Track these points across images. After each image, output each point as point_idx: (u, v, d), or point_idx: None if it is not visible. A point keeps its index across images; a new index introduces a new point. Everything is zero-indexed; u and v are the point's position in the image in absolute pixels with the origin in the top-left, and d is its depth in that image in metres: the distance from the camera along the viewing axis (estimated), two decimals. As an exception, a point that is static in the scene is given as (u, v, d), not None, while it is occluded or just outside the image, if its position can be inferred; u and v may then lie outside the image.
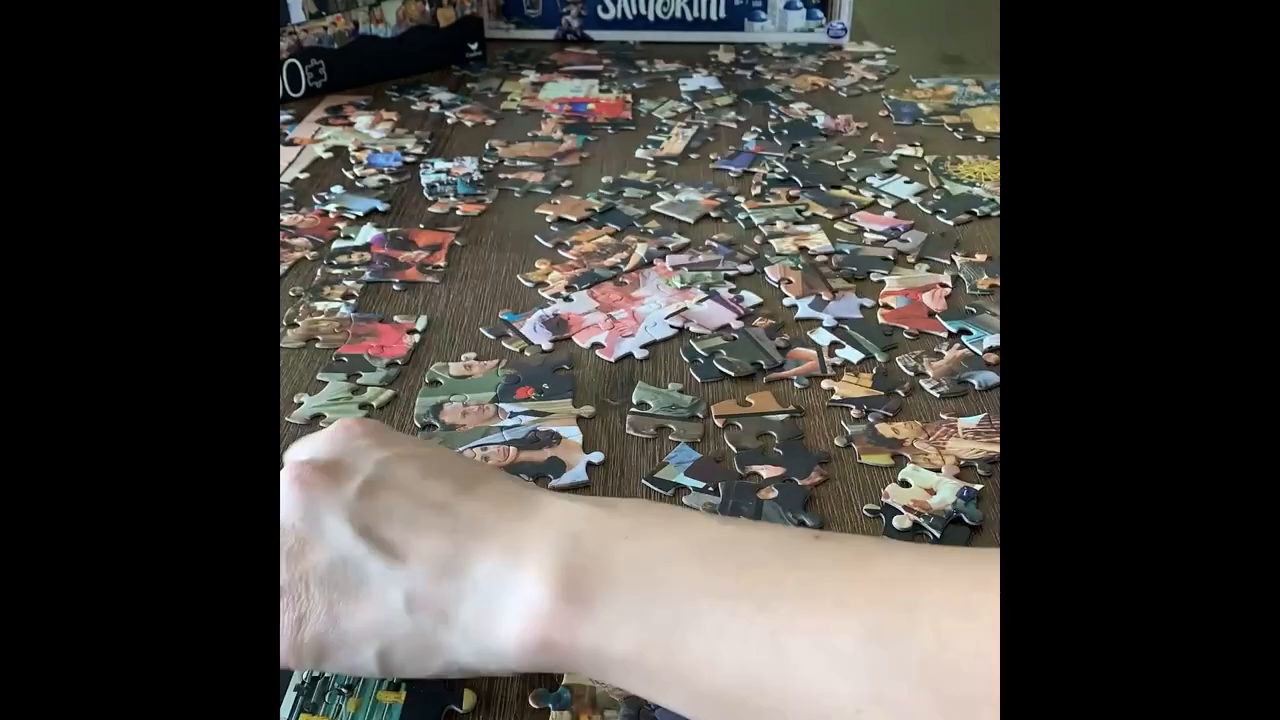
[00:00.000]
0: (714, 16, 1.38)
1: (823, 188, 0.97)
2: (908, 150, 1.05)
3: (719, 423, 0.65)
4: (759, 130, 1.11)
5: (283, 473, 0.43)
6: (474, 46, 1.29)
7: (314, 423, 0.65)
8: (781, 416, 0.65)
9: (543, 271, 0.82)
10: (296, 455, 0.45)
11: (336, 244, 0.86)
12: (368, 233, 0.88)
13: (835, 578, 0.38)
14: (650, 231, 0.89)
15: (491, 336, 0.73)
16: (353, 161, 1.02)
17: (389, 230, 0.88)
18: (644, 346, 0.72)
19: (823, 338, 0.74)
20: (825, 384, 0.68)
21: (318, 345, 0.73)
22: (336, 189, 0.96)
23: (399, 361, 0.71)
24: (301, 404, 0.66)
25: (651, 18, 1.38)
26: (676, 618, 0.38)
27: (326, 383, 0.69)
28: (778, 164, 1.02)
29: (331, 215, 0.91)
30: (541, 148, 1.06)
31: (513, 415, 0.65)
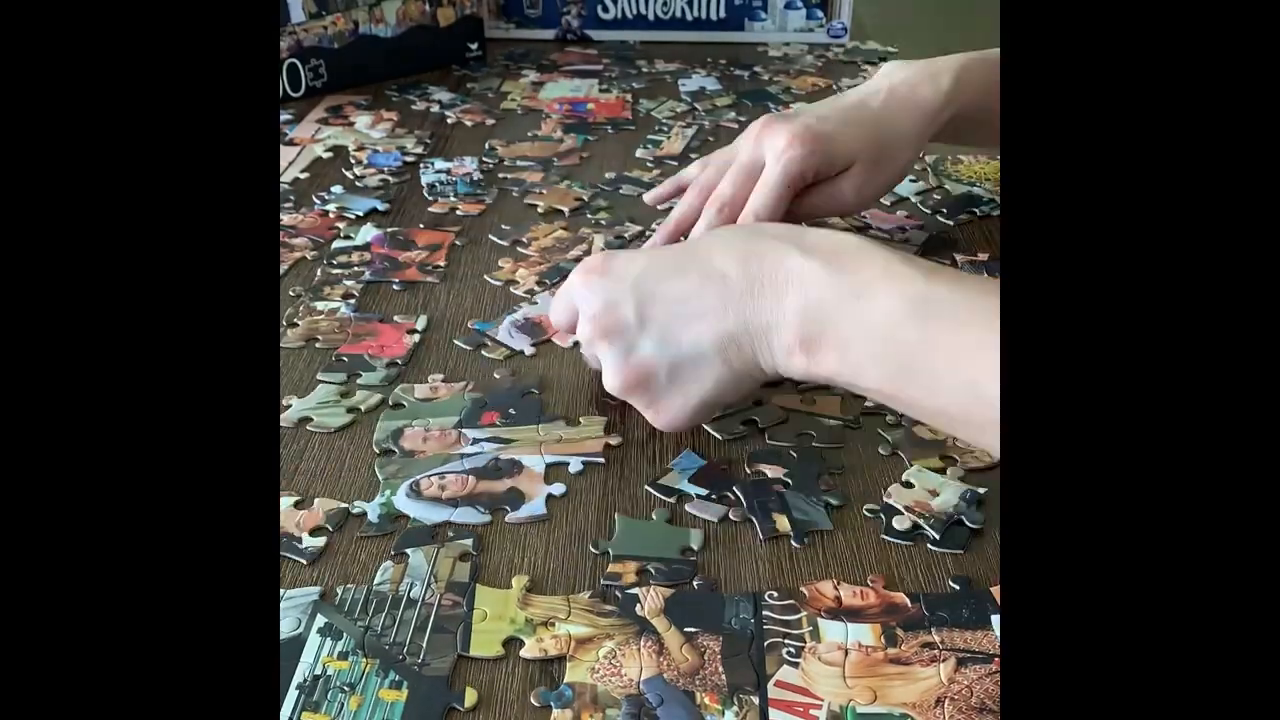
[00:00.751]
0: (714, 16, 1.37)
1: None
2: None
3: None
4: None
5: (586, 331, 0.59)
6: (474, 46, 1.29)
7: (301, 426, 0.64)
8: (834, 423, 0.65)
9: (509, 270, 0.82)
10: (581, 315, 0.60)
11: (337, 244, 0.86)
12: (368, 232, 0.88)
13: None
14: (603, 222, 0.90)
15: (468, 348, 0.72)
16: (353, 161, 1.02)
17: (389, 230, 0.88)
18: None
19: None
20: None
21: (318, 345, 0.73)
22: (337, 189, 0.96)
23: (399, 361, 0.71)
24: (290, 406, 0.66)
25: (651, 18, 1.37)
26: (901, 368, 0.50)
27: (324, 383, 0.68)
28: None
29: (331, 215, 0.91)
30: (541, 147, 1.06)
31: (475, 442, 0.63)
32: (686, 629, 0.50)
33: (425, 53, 1.25)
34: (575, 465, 0.61)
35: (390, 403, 0.67)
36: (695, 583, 0.53)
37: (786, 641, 0.50)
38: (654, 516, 0.58)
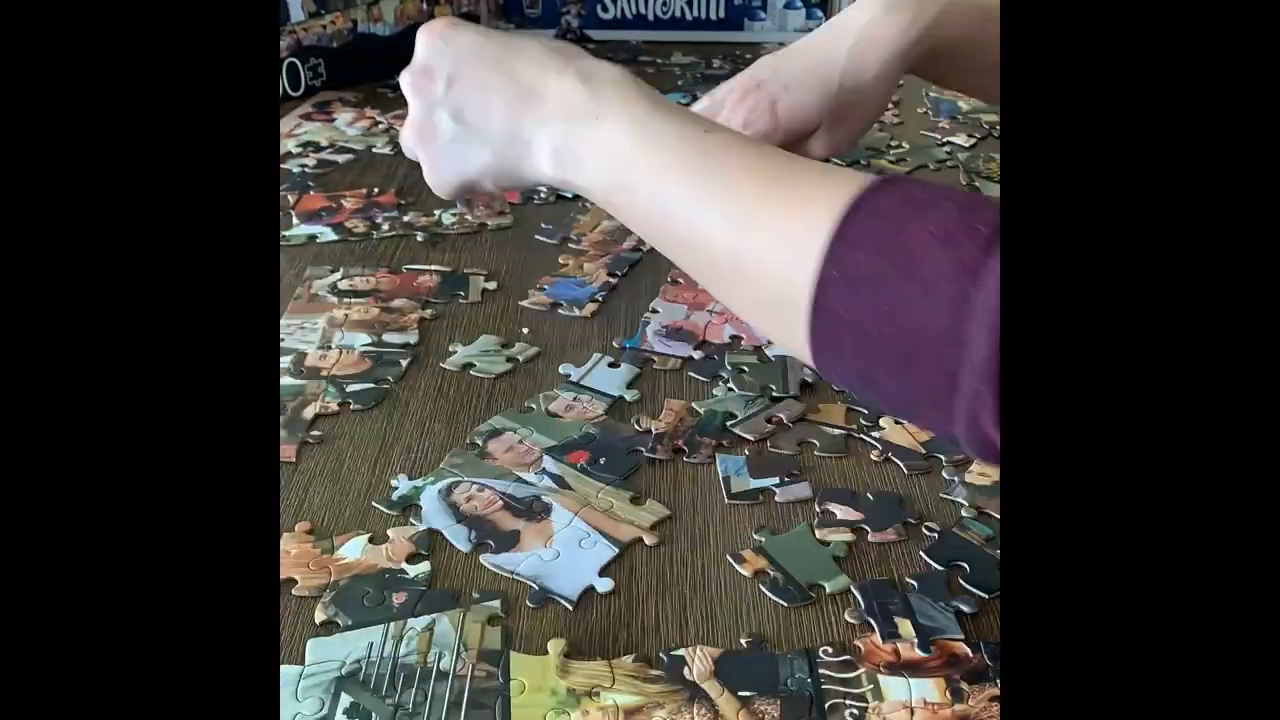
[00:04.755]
0: (714, 16, 1.37)
1: (862, 161, 0.99)
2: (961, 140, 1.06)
3: (770, 419, 0.65)
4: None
5: (404, 79, 0.59)
6: (470, 45, 1.26)
7: (464, 371, 0.70)
8: (836, 432, 0.64)
9: (574, 266, 0.83)
10: (412, 65, 0.59)
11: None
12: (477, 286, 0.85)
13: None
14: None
15: (637, 367, 0.71)
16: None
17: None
18: None
19: None
20: (883, 421, 0.65)
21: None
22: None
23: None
24: (455, 353, 0.71)
25: (651, 17, 1.36)
26: (620, 186, 0.51)
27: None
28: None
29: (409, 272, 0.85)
30: None
31: (543, 472, 0.61)
32: (741, 693, 0.47)
33: (423, 51, 1.22)
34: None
35: (526, 404, 0.67)
36: (743, 640, 0.49)
37: (848, 702, 0.46)
38: (830, 543, 0.56)
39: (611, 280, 0.81)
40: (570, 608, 0.52)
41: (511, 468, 0.61)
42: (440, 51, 0.59)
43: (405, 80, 0.59)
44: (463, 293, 0.79)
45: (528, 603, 0.52)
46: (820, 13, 1.36)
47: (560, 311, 0.76)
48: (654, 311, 0.77)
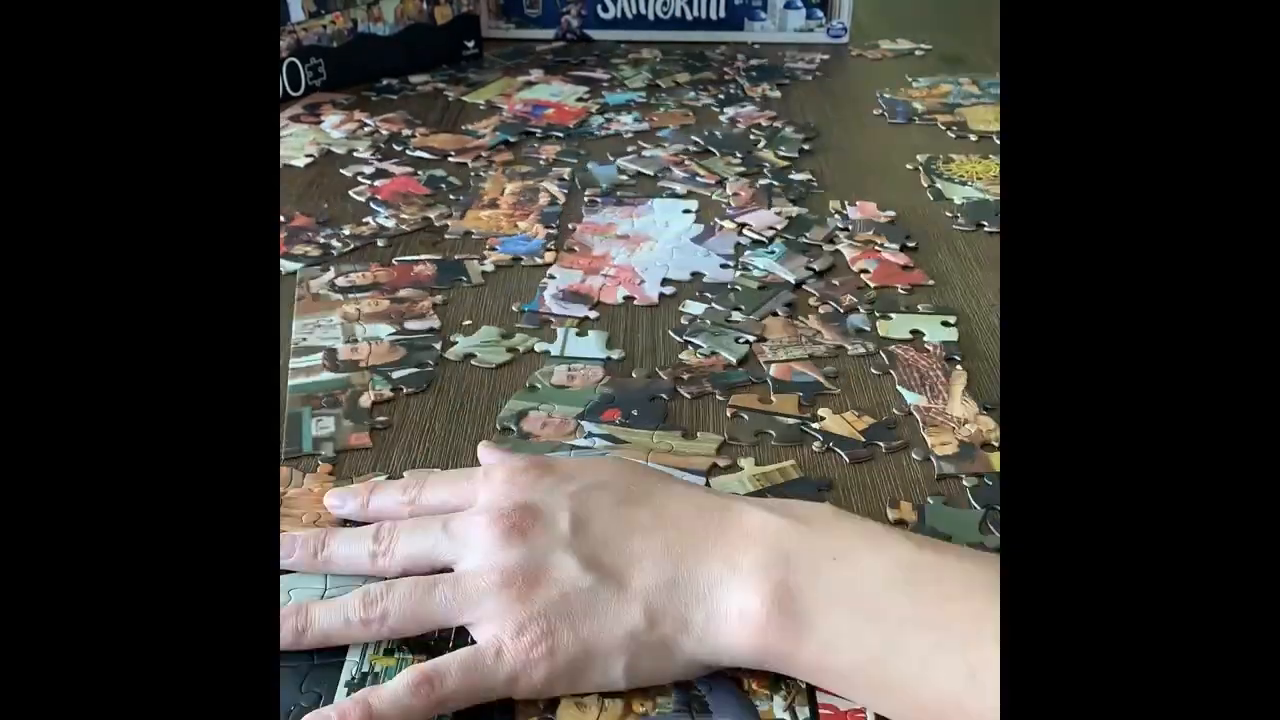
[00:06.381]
0: (714, 16, 1.36)
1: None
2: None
3: (729, 412, 0.66)
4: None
5: (482, 521, 0.48)
6: (470, 44, 1.28)
7: (466, 361, 0.70)
8: (791, 421, 0.65)
9: (510, 224, 0.87)
10: (485, 506, 0.49)
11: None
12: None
13: None
14: (520, 174, 0.96)
15: (533, 327, 0.74)
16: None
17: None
18: (664, 283, 0.79)
19: (695, 308, 0.76)
20: (822, 412, 0.66)
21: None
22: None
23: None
24: (456, 343, 0.72)
25: (651, 17, 1.36)
26: (887, 644, 0.43)
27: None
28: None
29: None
30: (455, 140, 1.07)
31: (589, 436, 0.63)
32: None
33: (423, 50, 1.23)
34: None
35: (526, 384, 0.68)
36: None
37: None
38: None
39: (552, 231, 0.86)
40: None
41: (560, 440, 0.63)
42: (547, 489, 0.49)
43: (481, 523, 0.48)
44: (464, 277, 0.81)
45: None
46: (820, 13, 1.36)
47: (523, 264, 0.81)
48: (551, 277, 0.80)
